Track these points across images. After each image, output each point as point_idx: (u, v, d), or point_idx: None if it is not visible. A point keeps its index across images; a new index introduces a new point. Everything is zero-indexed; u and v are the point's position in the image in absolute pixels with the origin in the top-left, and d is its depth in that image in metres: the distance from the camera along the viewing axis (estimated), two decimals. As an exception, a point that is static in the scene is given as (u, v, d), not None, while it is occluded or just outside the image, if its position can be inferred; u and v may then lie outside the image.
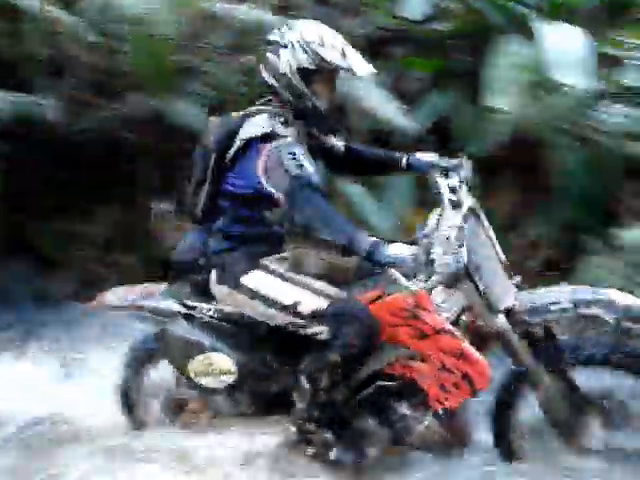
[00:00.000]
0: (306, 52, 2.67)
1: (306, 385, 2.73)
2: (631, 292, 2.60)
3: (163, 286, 3.06)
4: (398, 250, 2.42)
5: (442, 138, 4.79)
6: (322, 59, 2.67)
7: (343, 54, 2.67)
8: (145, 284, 3.16)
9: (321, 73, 2.72)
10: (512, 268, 2.78)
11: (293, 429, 2.83)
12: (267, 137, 2.68)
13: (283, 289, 2.75)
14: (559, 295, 2.60)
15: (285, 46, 2.69)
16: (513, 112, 4.17)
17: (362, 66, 2.69)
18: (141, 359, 3.16)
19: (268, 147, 2.64)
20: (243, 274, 2.78)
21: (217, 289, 2.85)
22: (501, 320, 2.58)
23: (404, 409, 2.71)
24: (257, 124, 2.72)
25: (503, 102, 4.17)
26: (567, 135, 4.39)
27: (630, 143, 4.03)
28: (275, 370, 2.85)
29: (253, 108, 2.85)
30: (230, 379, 2.86)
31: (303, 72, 2.69)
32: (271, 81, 2.75)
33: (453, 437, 2.76)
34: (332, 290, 2.76)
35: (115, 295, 3.14)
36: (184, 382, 3.00)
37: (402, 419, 2.71)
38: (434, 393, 2.63)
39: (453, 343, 2.58)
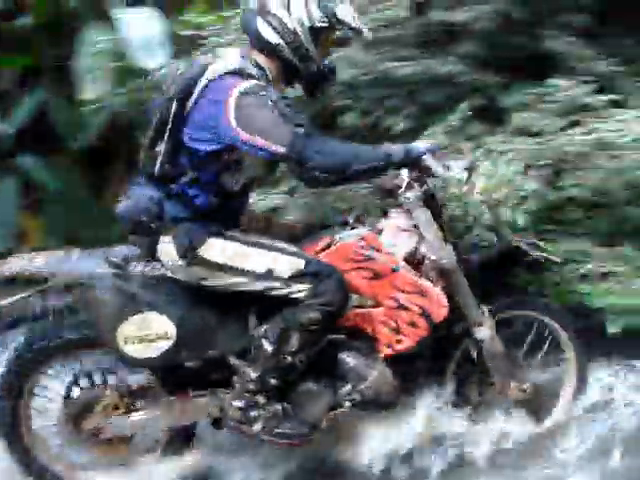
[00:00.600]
0: (322, 10, 2.39)
1: (268, 348, 2.44)
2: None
3: (76, 251, 2.57)
4: (423, 143, 2.46)
5: (43, 136, 4.64)
6: (338, 19, 2.40)
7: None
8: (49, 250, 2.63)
9: (326, 34, 2.45)
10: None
11: (235, 405, 2.52)
12: (235, 74, 2.33)
13: (252, 256, 2.45)
14: None
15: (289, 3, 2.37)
16: (106, 100, 4.16)
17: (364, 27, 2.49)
18: (25, 371, 2.57)
19: (239, 88, 2.27)
20: (200, 245, 2.43)
21: (169, 259, 2.45)
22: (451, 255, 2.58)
23: (354, 360, 2.58)
24: (224, 61, 2.37)
25: (93, 92, 4.16)
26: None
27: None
28: (218, 332, 2.51)
29: (220, 51, 2.51)
30: (166, 345, 2.46)
31: (313, 32, 2.40)
32: (273, 37, 2.39)
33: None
34: (294, 248, 2.52)
35: (16, 263, 2.53)
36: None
37: (352, 371, 2.57)
38: (385, 338, 2.54)
39: (409, 280, 2.52)
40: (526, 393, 2.81)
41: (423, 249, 2.58)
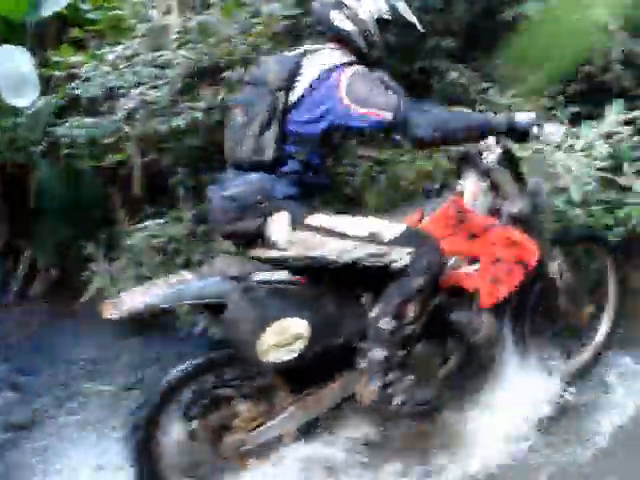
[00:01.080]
0: (387, 3, 2.68)
1: (388, 326, 2.52)
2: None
3: (188, 275, 2.58)
4: (525, 114, 2.61)
5: None
6: (399, 13, 2.68)
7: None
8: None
9: (387, 26, 2.70)
10: None
11: (371, 388, 2.56)
12: (343, 65, 2.57)
13: (354, 222, 2.59)
14: None
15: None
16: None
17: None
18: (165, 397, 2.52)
19: (348, 72, 2.53)
20: (307, 215, 2.56)
21: (278, 234, 2.53)
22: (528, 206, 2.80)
23: (465, 316, 2.72)
24: (326, 57, 2.61)
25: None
26: (34, 155, 4.45)
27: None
28: (341, 321, 2.60)
29: (307, 47, 2.71)
30: (302, 345, 2.50)
31: (378, 23, 2.66)
32: (346, 25, 2.64)
33: None
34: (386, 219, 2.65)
35: (133, 299, 2.45)
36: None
37: (467, 327, 2.72)
38: (486, 289, 2.71)
39: (502, 233, 2.73)
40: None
41: (498, 204, 2.82)
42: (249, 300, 2.46)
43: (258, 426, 2.63)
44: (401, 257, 2.53)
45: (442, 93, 3.65)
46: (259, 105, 2.56)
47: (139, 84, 3.74)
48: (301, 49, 2.70)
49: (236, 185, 2.55)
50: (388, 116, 2.46)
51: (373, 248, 2.53)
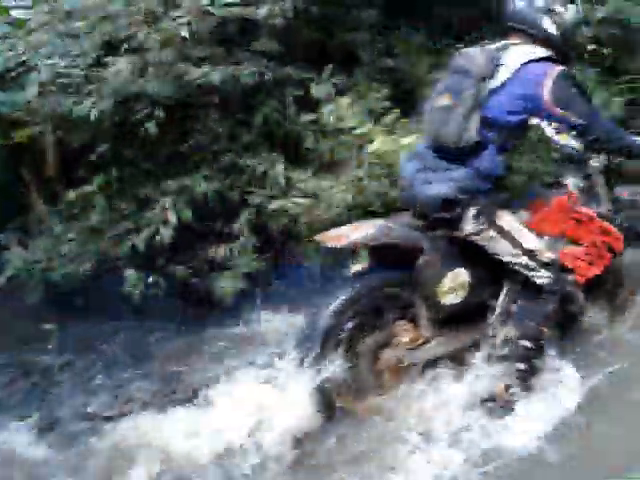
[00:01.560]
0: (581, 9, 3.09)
1: (527, 343, 2.89)
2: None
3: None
4: None
5: None
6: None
7: None
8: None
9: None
10: None
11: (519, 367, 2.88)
12: (547, 61, 2.83)
13: (526, 235, 2.94)
14: None
15: (572, 2, 2.98)
16: None
17: None
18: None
19: (553, 73, 2.77)
20: (496, 214, 2.87)
21: (471, 225, 2.84)
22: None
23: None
24: (528, 50, 2.85)
25: None
26: None
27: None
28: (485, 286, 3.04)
29: (507, 42, 2.92)
30: (464, 293, 2.96)
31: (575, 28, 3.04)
32: (553, 30, 2.91)
33: None
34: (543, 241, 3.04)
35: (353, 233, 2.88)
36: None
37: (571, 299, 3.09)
38: (582, 268, 3.09)
39: (600, 224, 3.14)
40: None
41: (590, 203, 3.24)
42: (438, 250, 2.90)
43: (413, 348, 3.01)
44: (543, 278, 2.93)
45: (372, 65, 3.59)
46: (465, 92, 2.77)
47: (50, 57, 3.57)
48: (500, 43, 2.92)
49: (440, 181, 2.83)
50: (580, 121, 2.84)
51: (529, 261, 2.92)
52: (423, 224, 2.93)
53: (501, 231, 2.89)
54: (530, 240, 2.94)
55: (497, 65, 2.80)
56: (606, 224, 3.17)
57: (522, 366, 2.90)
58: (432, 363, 3.02)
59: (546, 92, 2.76)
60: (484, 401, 2.87)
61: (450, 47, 3.67)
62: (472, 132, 2.77)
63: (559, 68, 2.80)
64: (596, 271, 3.14)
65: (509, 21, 2.96)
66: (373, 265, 3.02)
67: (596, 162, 3.22)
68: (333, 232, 2.94)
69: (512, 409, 2.84)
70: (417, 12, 3.94)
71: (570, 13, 2.97)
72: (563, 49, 2.96)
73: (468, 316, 3.07)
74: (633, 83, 4.27)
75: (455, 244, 2.94)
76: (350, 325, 2.86)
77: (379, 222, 2.93)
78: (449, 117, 2.80)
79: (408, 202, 3.03)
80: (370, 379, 2.96)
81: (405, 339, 3.01)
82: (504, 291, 3.07)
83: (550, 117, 2.88)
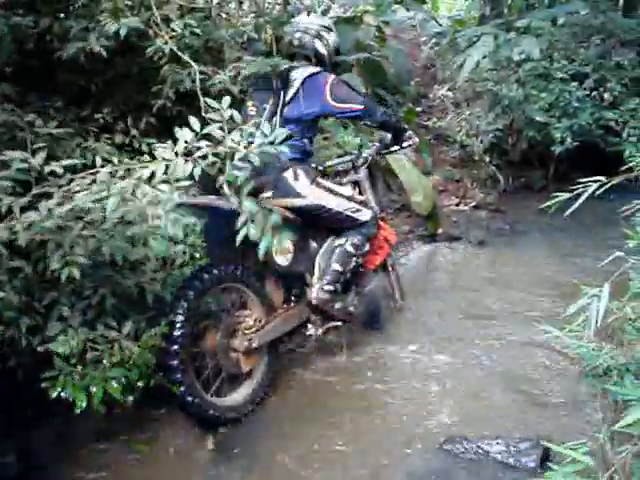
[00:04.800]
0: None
1: (351, 249, 3.77)
2: None
3: None
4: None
5: None
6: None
7: None
8: None
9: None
10: None
11: (326, 289, 3.73)
12: (322, 73, 3.72)
13: (341, 188, 3.91)
14: None
15: (330, 30, 3.95)
16: None
17: None
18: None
19: (329, 80, 3.68)
20: (317, 176, 3.76)
21: (298, 184, 3.61)
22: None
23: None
24: (310, 69, 3.72)
25: None
26: None
27: None
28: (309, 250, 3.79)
29: (291, 64, 3.70)
30: (289, 259, 3.61)
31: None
32: (323, 50, 3.86)
33: None
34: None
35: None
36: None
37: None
38: (369, 259, 3.99)
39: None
40: None
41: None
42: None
43: (258, 330, 3.49)
44: (365, 215, 3.85)
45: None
46: (266, 102, 3.67)
47: None
48: (288, 65, 3.67)
49: None
50: (360, 107, 3.73)
51: (352, 205, 3.81)
52: None
53: (326, 187, 3.74)
54: (346, 190, 3.92)
55: (288, 81, 3.68)
56: (381, 222, 4.05)
57: (338, 267, 3.75)
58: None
59: (327, 95, 3.67)
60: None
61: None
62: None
63: (332, 76, 3.74)
64: (380, 259, 4.11)
65: (291, 49, 3.82)
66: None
67: (361, 172, 4.10)
68: None
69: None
70: (50, 81, 3.71)
71: (332, 38, 3.93)
72: (331, 63, 3.95)
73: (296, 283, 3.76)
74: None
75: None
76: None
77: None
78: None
79: None
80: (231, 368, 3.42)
81: (249, 324, 3.49)
82: (327, 241, 3.83)
83: (337, 113, 3.81)
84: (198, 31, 3.46)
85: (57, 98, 3.63)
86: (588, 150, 6.43)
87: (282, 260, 3.58)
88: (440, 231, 5.68)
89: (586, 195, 2.20)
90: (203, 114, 2.58)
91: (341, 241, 3.79)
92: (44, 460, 3.05)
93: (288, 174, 3.58)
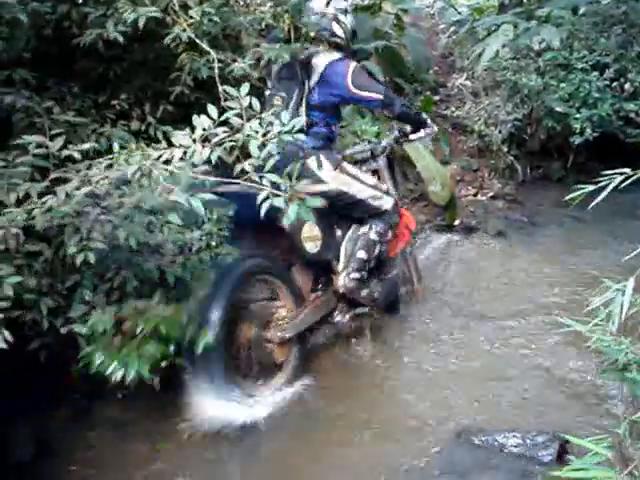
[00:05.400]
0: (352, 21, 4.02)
1: (375, 236, 3.84)
2: None
3: None
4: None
5: None
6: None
7: None
8: None
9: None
10: None
11: (353, 277, 3.81)
12: (344, 59, 3.76)
13: (365, 174, 3.94)
14: None
15: (347, 12, 3.95)
16: None
17: None
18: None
19: (350, 68, 3.69)
20: (340, 162, 3.79)
21: (322, 172, 3.65)
22: None
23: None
24: (328, 55, 3.74)
25: None
26: None
27: None
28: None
29: (311, 50, 3.73)
30: (318, 245, 3.71)
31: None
32: (340, 32, 3.86)
33: None
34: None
35: None
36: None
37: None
38: (391, 245, 4.01)
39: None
40: None
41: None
42: None
43: (291, 320, 3.60)
44: (387, 203, 3.89)
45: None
46: (292, 92, 3.70)
47: None
48: (308, 51, 3.71)
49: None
50: (380, 97, 3.72)
51: (375, 192, 3.86)
52: None
53: (349, 174, 3.79)
54: (369, 178, 3.94)
55: (311, 68, 3.70)
56: (403, 211, 4.13)
57: (364, 254, 3.83)
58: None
59: (348, 81, 3.66)
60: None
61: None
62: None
63: (354, 63, 3.76)
64: (401, 246, 4.16)
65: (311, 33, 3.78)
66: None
67: (381, 161, 4.14)
68: None
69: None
70: (67, 67, 3.70)
71: (349, 20, 3.93)
72: (349, 47, 3.98)
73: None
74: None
75: None
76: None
77: None
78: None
79: None
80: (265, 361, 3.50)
81: (282, 315, 3.59)
82: (351, 229, 3.89)
83: (356, 100, 3.85)
84: (216, 18, 3.43)
85: (74, 84, 3.63)
86: (608, 141, 6.37)
87: (311, 247, 3.68)
88: (457, 222, 5.65)
89: (611, 188, 2.17)
90: (222, 102, 2.57)
91: (365, 229, 3.85)
92: (57, 446, 3.10)
93: (311, 162, 3.56)
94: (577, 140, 6.36)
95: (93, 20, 3.34)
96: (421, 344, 4.01)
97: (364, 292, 3.89)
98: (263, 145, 2.36)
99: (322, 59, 3.72)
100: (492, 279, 4.84)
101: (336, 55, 3.76)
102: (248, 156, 2.39)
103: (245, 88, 2.45)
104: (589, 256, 5.00)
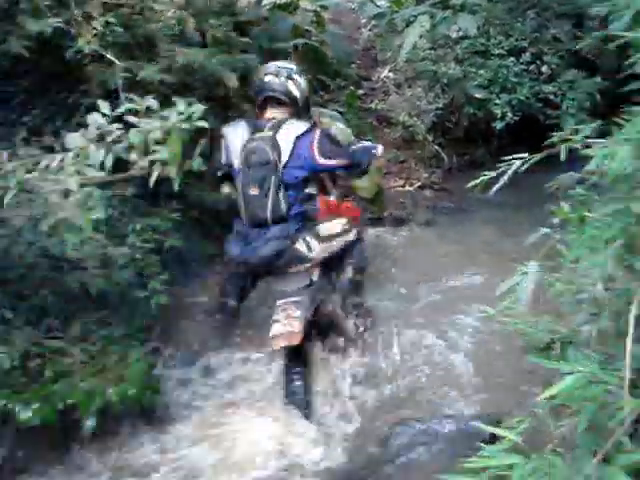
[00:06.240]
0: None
1: (360, 278, 4.15)
2: None
3: None
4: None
5: None
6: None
7: None
8: None
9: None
10: None
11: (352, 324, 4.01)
12: (309, 132, 3.80)
13: (331, 227, 3.98)
14: None
15: (301, 73, 4.09)
16: None
17: None
18: None
19: (315, 140, 3.77)
20: (319, 233, 3.89)
21: (311, 251, 3.81)
22: None
23: None
24: (293, 128, 3.79)
25: None
26: None
27: None
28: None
29: (273, 122, 3.83)
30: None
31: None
32: (296, 92, 3.96)
33: None
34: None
35: None
36: None
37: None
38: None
39: (347, 206, 4.25)
40: None
41: None
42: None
43: None
44: (352, 234, 4.09)
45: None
46: (269, 181, 3.70)
47: None
48: (270, 123, 3.80)
49: (270, 241, 3.71)
50: (348, 162, 3.89)
51: (345, 237, 4.03)
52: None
53: (326, 238, 3.89)
54: (337, 226, 4.01)
55: (278, 146, 3.71)
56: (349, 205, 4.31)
57: (357, 299, 4.08)
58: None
59: (315, 152, 3.74)
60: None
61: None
62: (285, 204, 3.75)
63: (317, 132, 3.80)
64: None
65: (262, 93, 3.92)
66: None
67: None
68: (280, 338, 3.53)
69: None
70: None
71: (303, 80, 4.02)
72: (305, 105, 4.03)
73: None
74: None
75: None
76: None
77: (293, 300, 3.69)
78: (261, 203, 3.72)
79: (246, 266, 3.84)
80: None
81: None
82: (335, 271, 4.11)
83: (324, 169, 3.89)
84: (118, 28, 3.40)
85: (-18, 102, 3.57)
86: (529, 124, 6.49)
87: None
88: (386, 214, 5.69)
89: (510, 173, 2.23)
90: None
91: (348, 273, 4.08)
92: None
93: (300, 245, 3.76)
94: (499, 125, 6.45)
95: (-6, 36, 3.28)
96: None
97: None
98: (164, 140, 2.31)
99: (288, 134, 3.76)
100: (417, 266, 4.93)
101: (301, 127, 3.79)
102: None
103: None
104: (510, 239, 5.07)
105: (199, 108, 2.36)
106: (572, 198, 2.47)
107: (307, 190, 3.90)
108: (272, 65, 4.02)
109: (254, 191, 3.72)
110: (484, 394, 3.44)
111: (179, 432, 3.25)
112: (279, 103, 3.91)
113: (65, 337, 3.02)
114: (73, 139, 2.32)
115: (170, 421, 3.29)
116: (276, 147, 3.70)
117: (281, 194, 3.71)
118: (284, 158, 3.71)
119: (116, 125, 2.32)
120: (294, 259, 3.75)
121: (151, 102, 2.35)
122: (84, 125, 3.72)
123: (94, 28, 3.30)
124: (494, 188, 2.30)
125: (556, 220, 2.24)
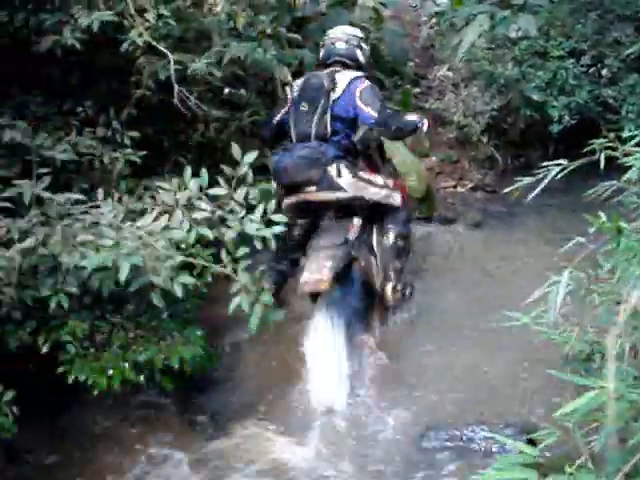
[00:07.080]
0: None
1: (402, 243, 4.20)
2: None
3: None
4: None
5: None
6: None
7: None
8: None
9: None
10: None
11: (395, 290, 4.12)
12: (361, 78, 4.11)
13: (376, 177, 4.17)
14: None
15: (366, 39, 4.55)
16: None
17: None
18: None
19: (362, 85, 4.03)
20: (358, 170, 4.07)
21: (341, 179, 3.93)
22: None
23: None
24: (350, 73, 4.12)
25: None
26: None
27: None
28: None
29: (334, 68, 4.17)
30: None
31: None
32: (362, 59, 4.30)
33: None
34: None
35: None
36: None
37: None
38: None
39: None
40: None
41: None
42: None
43: None
44: (396, 199, 4.20)
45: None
46: (318, 101, 4.01)
47: None
48: (332, 69, 4.15)
49: (304, 149, 3.95)
50: (374, 115, 3.94)
51: (386, 192, 4.15)
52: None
53: (364, 179, 4.05)
54: (379, 179, 4.16)
55: (335, 82, 4.04)
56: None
57: (399, 264, 4.16)
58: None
59: (357, 93, 3.99)
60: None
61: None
62: (327, 126, 3.99)
63: (368, 82, 4.09)
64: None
65: (331, 57, 4.21)
66: None
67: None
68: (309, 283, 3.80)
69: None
70: (29, 75, 3.73)
71: (367, 47, 4.38)
72: (368, 70, 4.39)
73: None
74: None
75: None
76: None
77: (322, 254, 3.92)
78: (308, 118, 4.02)
79: (286, 176, 4.00)
80: None
81: None
82: (375, 227, 4.27)
83: (357, 112, 3.99)
84: (171, 21, 3.44)
85: (38, 92, 3.65)
86: (587, 128, 6.35)
87: None
88: (435, 214, 5.64)
89: (549, 179, 2.18)
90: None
91: (390, 238, 4.19)
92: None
93: (332, 169, 3.91)
94: (555, 128, 6.34)
95: (49, 27, 3.35)
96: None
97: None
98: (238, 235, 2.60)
99: (346, 75, 4.10)
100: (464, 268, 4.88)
101: (358, 73, 4.14)
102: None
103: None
104: (559, 245, 4.95)
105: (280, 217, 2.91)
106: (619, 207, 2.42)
107: (353, 138, 4.11)
108: (340, 31, 4.33)
109: (304, 107, 4.05)
110: (515, 403, 3.38)
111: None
112: (344, 65, 4.20)
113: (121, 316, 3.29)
114: (164, 195, 2.70)
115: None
116: (333, 81, 4.05)
117: (327, 117, 3.99)
118: (338, 92, 4.03)
119: (204, 204, 2.48)
120: (324, 180, 3.91)
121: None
122: (135, 116, 3.85)
123: (147, 20, 3.35)
124: (532, 194, 2.25)
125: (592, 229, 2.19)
